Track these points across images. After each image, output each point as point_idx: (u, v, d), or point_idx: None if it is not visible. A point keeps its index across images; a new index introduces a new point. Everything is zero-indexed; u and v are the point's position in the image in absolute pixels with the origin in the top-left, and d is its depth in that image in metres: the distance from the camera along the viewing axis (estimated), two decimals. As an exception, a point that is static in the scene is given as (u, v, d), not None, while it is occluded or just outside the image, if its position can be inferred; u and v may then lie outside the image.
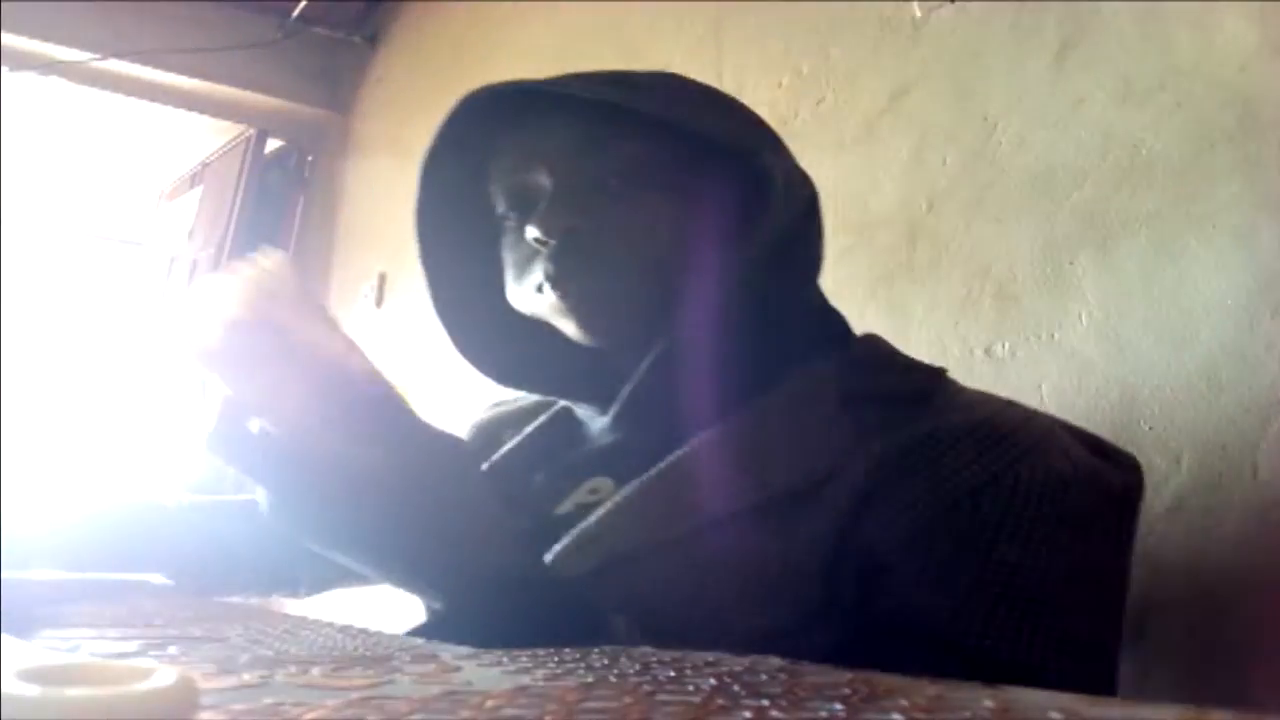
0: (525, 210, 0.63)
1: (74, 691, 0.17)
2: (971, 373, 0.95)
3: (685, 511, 0.55)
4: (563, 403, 0.73)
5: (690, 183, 0.62)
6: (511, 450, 0.70)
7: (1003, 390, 0.66)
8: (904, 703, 0.23)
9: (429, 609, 0.58)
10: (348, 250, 2.81)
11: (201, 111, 3.21)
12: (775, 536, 0.53)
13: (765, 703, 0.24)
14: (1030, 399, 0.89)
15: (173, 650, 0.40)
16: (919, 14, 1.12)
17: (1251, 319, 0.75)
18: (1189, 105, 0.83)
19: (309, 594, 0.80)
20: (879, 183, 1.11)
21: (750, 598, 0.52)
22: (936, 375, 0.61)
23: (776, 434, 0.57)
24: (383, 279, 2.44)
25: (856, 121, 1.16)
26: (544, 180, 0.62)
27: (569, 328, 0.63)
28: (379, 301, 2.42)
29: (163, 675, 0.18)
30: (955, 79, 1.06)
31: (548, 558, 0.56)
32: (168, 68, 2.98)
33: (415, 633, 0.47)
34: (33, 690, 0.17)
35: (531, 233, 0.60)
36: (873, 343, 0.65)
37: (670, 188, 0.62)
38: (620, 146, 0.61)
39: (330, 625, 0.53)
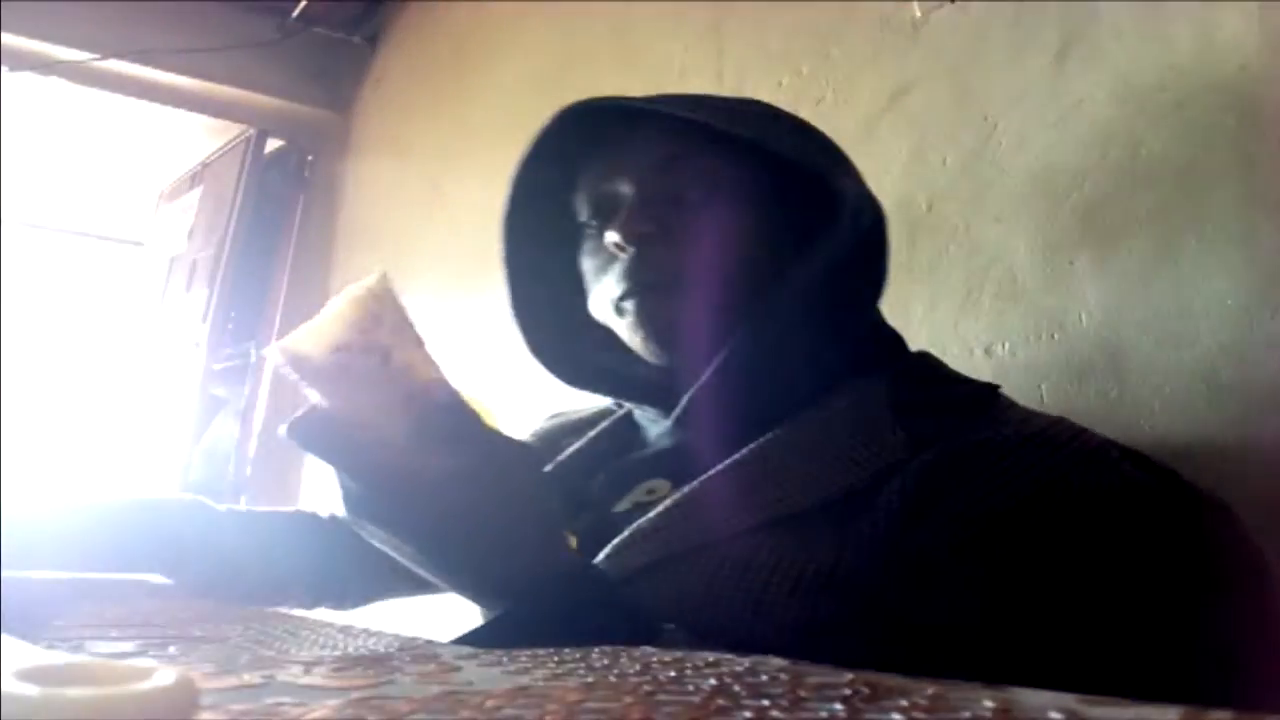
0: (606, 218, 0.66)
1: (74, 691, 0.17)
2: (972, 373, 0.94)
3: (737, 513, 0.56)
4: (623, 410, 0.76)
5: (765, 200, 0.65)
6: (573, 454, 0.74)
7: (1002, 390, 0.67)
8: (904, 703, 0.23)
9: (484, 614, 0.58)
10: (348, 250, 2.81)
11: (201, 111, 3.21)
12: (825, 538, 0.54)
13: (766, 703, 0.24)
14: (1030, 399, 0.89)
15: (173, 650, 0.40)
16: (919, 14, 1.12)
17: (1251, 319, 0.75)
18: (1189, 105, 0.83)
19: (354, 606, 0.81)
20: (879, 182, 1.10)
21: (799, 596, 0.52)
22: (989, 389, 0.62)
23: (830, 440, 0.58)
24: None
25: (856, 121, 1.16)
26: (626, 190, 0.66)
27: (637, 342, 0.66)
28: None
29: (163, 675, 0.18)
30: (955, 79, 1.06)
31: (604, 553, 0.57)
32: (167, 68, 2.98)
33: (465, 638, 0.47)
34: (32, 690, 0.17)
35: (610, 237, 0.64)
36: (925, 358, 0.68)
37: (746, 204, 0.65)
38: (700, 162, 0.65)
39: (330, 626, 0.53)
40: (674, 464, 0.64)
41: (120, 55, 2.91)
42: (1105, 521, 0.51)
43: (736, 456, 0.59)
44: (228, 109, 3.19)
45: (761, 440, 0.59)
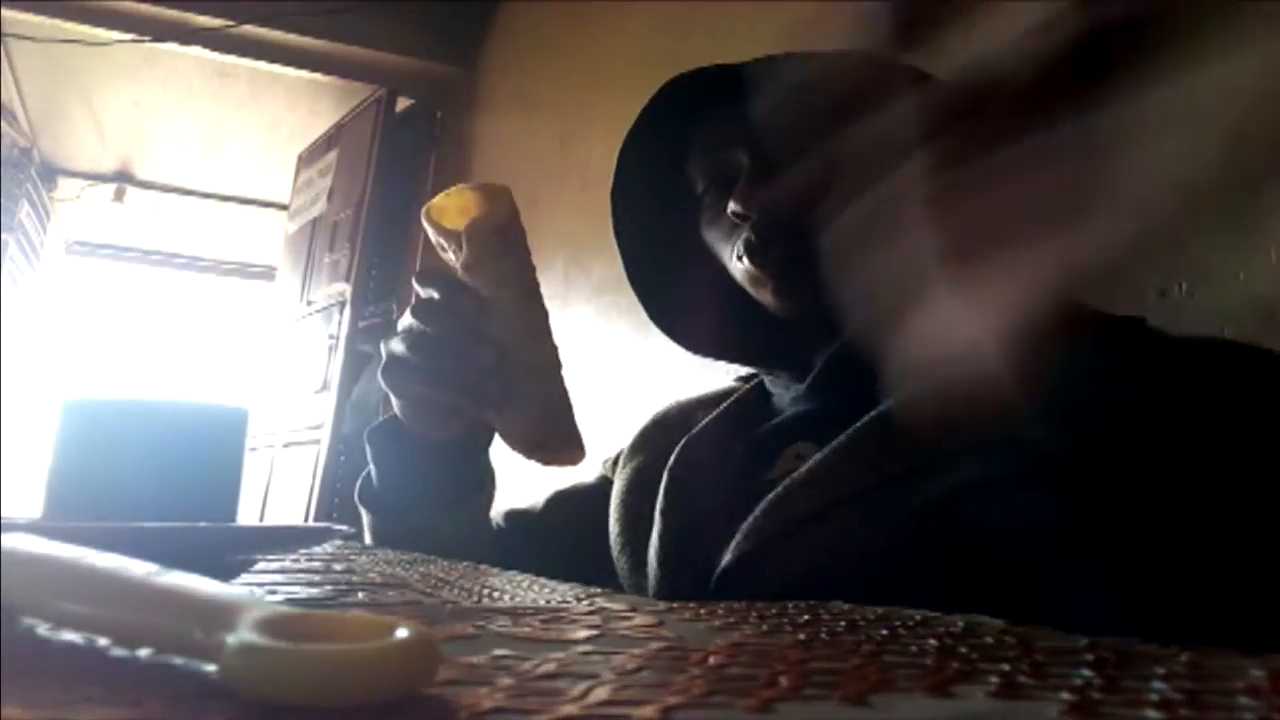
0: (723, 187, 0.66)
1: (324, 647, 0.17)
2: (1144, 316, 0.89)
3: (879, 464, 0.56)
4: (752, 383, 0.75)
5: None
6: (709, 424, 0.73)
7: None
8: (1161, 670, 0.21)
9: None
10: (479, 206, 2.86)
11: (331, 73, 3.30)
12: (965, 479, 0.52)
13: (1006, 668, 0.22)
14: (1212, 342, 0.83)
15: (361, 596, 0.41)
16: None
17: None
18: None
19: None
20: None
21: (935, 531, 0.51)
22: (1134, 321, 0.59)
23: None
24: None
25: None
26: (741, 158, 0.65)
27: (765, 296, 0.65)
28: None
29: (404, 631, 0.18)
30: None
31: (760, 508, 0.58)
32: (300, 31, 3.07)
33: None
34: (284, 644, 0.17)
35: (732, 207, 0.63)
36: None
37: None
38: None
39: (501, 574, 0.53)
40: (815, 426, 0.64)
41: (255, 20, 3.01)
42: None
43: (876, 412, 0.58)
44: (359, 70, 3.27)
45: (901, 395, 0.59)
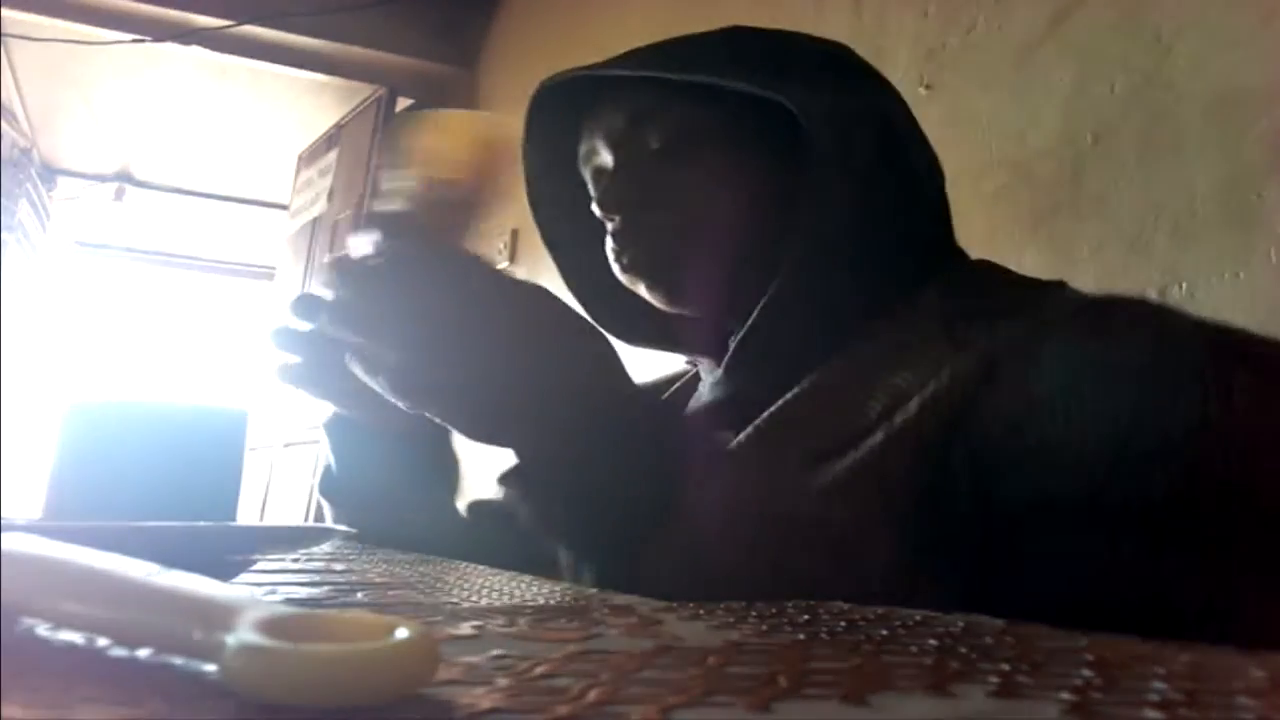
0: (597, 190, 0.66)
1: (324, 647, 0.17)
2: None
3: (782, 455, 0.55)
4: (693, 371, 0.75)
5: (751, 137, 0.63)
6: None
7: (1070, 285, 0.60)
8: (1161, 670, 0.21)
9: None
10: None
11: (333, 74, 3.30)
12: (870, 461, 0.51)
13: (1006, 667, 0.22)
14: (1212, 342, 0.83)
15: (361, 597, 0.41)
16: (1082, -70, 1.04)
17: None
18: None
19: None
20: (1038, 115, 1.05)
21: (851, 523, 0.50)
22: (1050, 284, 0.57)
23: (876, 371, 0.55)
24: (515, 235, 2.47)
25: (1012, 49, 1.10)
26: (606, 159, 0.66)
27: (643, 294, 0.66)
28: (513, 257, 2.45)
29: (404, 630, 0.18)
30: (1124, -1, 0.99)
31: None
32: (300, 30, 3.07)
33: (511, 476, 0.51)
34: (285, 645, 0.17)
35: (597, 211, 0.64)
36: (987, 265, 0.63)
37: (727, 147, 0.63)
38: (666, 116, 0.64)
39: (501, 574, 0.53)
40: (731, 412, 0.62)
41: (255, 20, 3.01)
42: (1196, 360, 0.45)
43: (783, 400, 0.58)
44: (359, 70, 3.27)
45: (808, 380, 0.58)
